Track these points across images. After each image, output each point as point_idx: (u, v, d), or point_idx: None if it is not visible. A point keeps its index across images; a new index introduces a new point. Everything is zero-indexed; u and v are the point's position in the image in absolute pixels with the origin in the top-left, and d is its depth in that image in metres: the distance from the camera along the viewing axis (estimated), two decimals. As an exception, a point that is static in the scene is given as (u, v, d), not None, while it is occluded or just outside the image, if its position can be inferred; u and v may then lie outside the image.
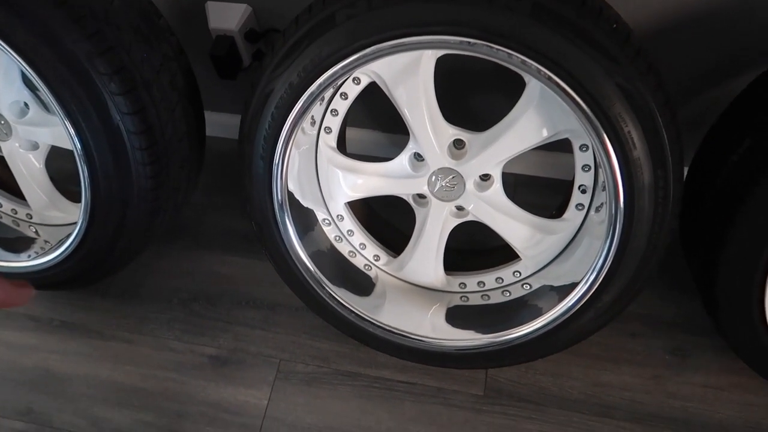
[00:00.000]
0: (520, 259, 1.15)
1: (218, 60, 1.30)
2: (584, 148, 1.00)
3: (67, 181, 1.35)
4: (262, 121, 1.00)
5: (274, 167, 1.03)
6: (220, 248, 1.46)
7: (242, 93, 1.07)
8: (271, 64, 0.97)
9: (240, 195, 1.12)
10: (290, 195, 1.10)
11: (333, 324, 1.21)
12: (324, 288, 1.15)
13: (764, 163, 0.94)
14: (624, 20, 0.90)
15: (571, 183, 1.06)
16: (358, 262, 1.24)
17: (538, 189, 1.48)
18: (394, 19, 0.87)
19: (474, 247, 1.28)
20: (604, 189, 1.01)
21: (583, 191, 1.05)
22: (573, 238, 1.10)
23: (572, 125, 0.94)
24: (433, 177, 1.06)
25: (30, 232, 1.38)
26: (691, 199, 1.07)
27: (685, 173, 1.07)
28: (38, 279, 1.26)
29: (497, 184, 1.07)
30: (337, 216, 1.20)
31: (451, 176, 1.05)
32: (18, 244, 1.34)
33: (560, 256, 1.12)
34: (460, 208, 1.11)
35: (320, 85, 0.94)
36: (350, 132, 1.35)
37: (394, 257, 1.23)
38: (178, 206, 1.25)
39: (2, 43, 0.98)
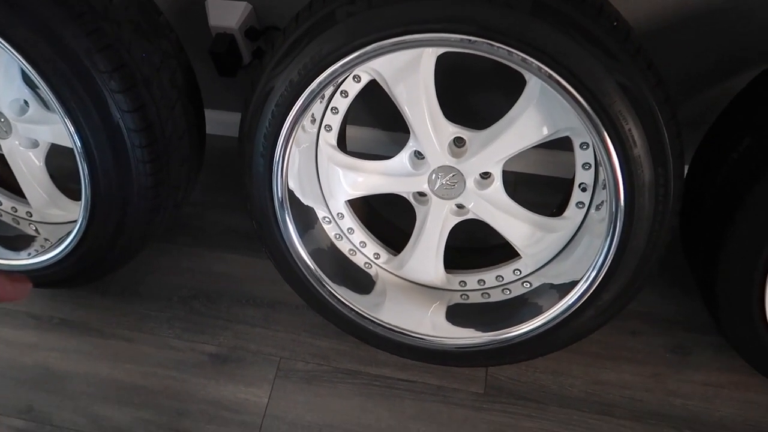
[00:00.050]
0: (521, 258, 1.15)
1: (218, 57, 1.30)
2: (584, 146, 1.00)
3: (67, 179, 1.34)
4: (263, 119, 1.00)
5: (275, 165, 1.03)
6: (221, 246, 1.46)
7: (242, 91, 1.07)
8: (272, 62, 0.97)
9: (240, 193, 1.12)
10: (290, 193, 1.10)
11: (333, 322, 1.21)
12: (324, 286, 1.15)
13: (764, 161, 0.94)
14: (624, 18, 0.90)
15: (572, 181, 1.06)
16: (359, 260, 1.24)
17: (539, 187, 1.48)
18: (395, 16, 0.87)
19: (474, 245, 1.29)
20: (604, 187, 1.01)
21: (584, 189, 1.05)
22: (573, 236, 1.10)
23: (572, 123, 0.93)
24: (434, 175, 1.06)
25: (30, 230, 1.38)
26: (691, 197, 1.07)
27: (685, 172, 1.07)
28: (38, 277, 1.26)
29: (497, 182, 1.07)
30: (338, 214, 1.20)
31: (451, 174, 1.05)
32: (18, 242, 1.34)
33: (560, 254, 1.12)
34: (460, 206, 1.11)
35: (320, 83, 0.94)
36: (350, 130, 1.35)
37: (395, 255, 1.23)
38: (178, 204, 1.25)
39: (2, 41, 0.97)
